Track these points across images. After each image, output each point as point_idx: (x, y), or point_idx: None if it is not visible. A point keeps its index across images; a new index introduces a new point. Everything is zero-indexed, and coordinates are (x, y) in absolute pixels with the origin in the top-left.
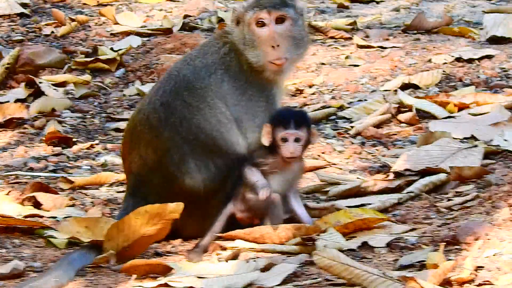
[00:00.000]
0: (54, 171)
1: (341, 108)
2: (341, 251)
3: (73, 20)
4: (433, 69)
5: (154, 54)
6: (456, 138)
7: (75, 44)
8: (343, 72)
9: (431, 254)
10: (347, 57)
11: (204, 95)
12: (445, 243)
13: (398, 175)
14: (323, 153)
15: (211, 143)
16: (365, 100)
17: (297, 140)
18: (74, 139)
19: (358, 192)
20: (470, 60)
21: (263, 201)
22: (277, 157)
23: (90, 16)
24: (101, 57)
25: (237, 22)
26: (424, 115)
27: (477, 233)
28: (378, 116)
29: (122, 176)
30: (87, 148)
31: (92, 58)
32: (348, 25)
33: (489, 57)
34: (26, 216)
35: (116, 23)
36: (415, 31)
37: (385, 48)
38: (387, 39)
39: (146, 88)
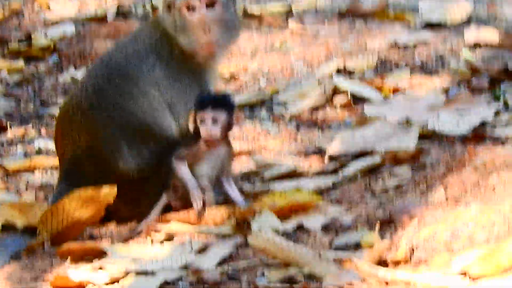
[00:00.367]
0: None
1: (276, 93)
2: (276, 232)
3: (6, 7)
4: (369, 54)
5: (88, 41)
6: (390, 121)
7: (9, 31)
8: (278, 58)
9: (366, 235)
10: (282, 43)
11: (136, 81)
12: (380, 224)
13: (333, 158)
14: (258, 137)
15: (144, 129)
16: (300, 84)
17: (215, 121)
18: (7, 125)
19: (293, 175)
20: (405, 45)
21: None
22: (201, 142)
23: (23, 3)
24: (35, 44)
25: (168, 7)
26: (359, 99)
27: (412, 213)
28: (313, 101)
29: (56, 161)
30: (22, 134)
31: (26, 45)
32: (283, 10)
33: (424, 41)
34: None
35: (50, 10)
36: (351, 16)
37: (320, 33)
38: (322, 25)
39: (80, 74)
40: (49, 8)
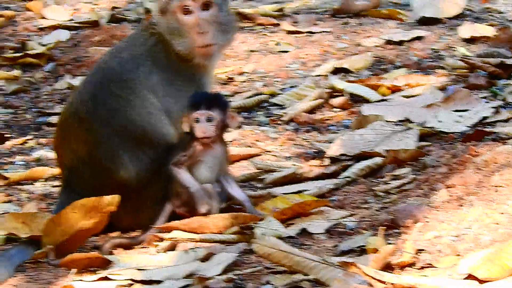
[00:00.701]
0: None
1: (273, 95)
2: (280, 238)
3: (0, 16)
4: (364, 52)
5: (82, 47)
6: (389, 121)
7: (3, 40)
8: (273, 59)
9: (371, 239)
10: (276, 44)
11: (133, 87)
12: (384, 227)
13: (333, 160)
14: (257, 140)
15: (142, 135)
16: (297, 86)
17: (209, 120)
18: (7, 135)
19: (294, 178)
20: (400, 42)
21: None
22: (197, 144)
23: (17, 11)
24: (30, 52)
25: (163, 11)
26: (357, 99)
27: (416, 216)
28: (310, 102)
29: (57, 171)
30: (21, 144)
31: (21, 53)
32: (276, 11)
33: (419, 38)
34: None
35: (43, 18)
36: (344, 15)
37: (314, 33)
38: (316, 24)
39: (77, 81)
40: (42, 15)
